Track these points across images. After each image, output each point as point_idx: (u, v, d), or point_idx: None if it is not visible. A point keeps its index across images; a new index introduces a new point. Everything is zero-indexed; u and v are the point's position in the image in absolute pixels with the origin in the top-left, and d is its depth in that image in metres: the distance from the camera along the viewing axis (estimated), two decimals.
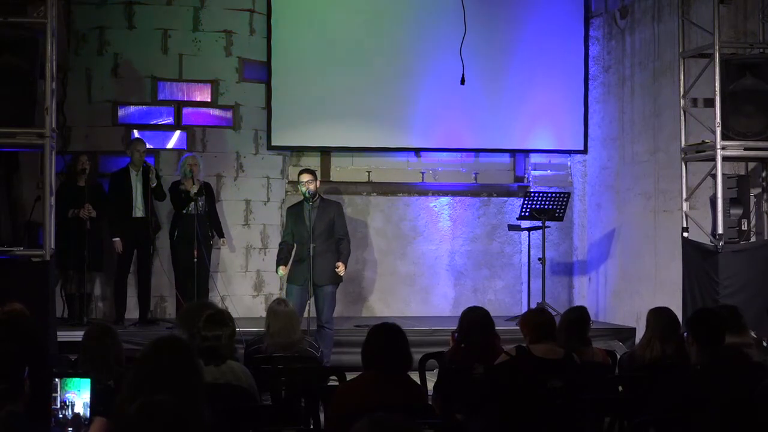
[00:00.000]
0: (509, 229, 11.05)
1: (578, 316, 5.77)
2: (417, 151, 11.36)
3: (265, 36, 10.82)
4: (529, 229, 10.67)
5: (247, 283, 10.76)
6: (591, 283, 11.32)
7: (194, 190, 9.49)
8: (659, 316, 5.58)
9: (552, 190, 10.95)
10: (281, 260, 8.85)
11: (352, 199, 11.13)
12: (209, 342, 4.80)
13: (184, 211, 9.55)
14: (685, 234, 8.84)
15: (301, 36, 10.82)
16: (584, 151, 11.39)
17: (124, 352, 4.84)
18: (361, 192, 11.23)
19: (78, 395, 4.03)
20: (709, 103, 8.62)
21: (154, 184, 9.55)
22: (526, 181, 11.53)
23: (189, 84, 10.67)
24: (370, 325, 4.82)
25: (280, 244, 9.12)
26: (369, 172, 11.26)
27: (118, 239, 9.55)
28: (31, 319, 5.64)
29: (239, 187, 10.75)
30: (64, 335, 8.09)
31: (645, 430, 4.24)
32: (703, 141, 8.77)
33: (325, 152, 11.19)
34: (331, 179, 11.11)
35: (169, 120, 10.69)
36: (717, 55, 8.42)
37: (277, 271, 8.96)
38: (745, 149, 8.51)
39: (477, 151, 11.45)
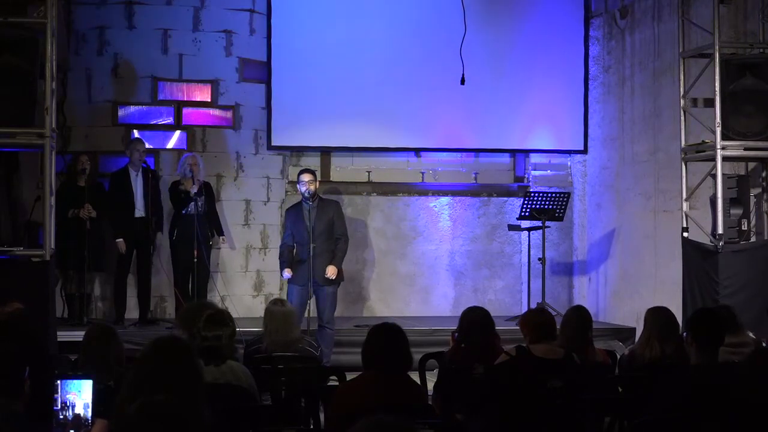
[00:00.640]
0: (509, 229, 11.05)
1: (579, 316, 5.77)
2: (417, 151, 11.35)
3: (265, 36, 10.82)
4: (529, 229, 10.67)
5: (247, 283, 10.76)
6: (591, 283, 11.32)
7: (194, 190, 9.50)
8: (657, 315, 5.58)
9: (552, 190, 10.96)
10: (284, 262, 8.85)
11: (352, 199, 11.13)
12: (209, 342, 4.80)
13: (184, 212, 9.55)
14: (685, 234, 8.83)
15: (301, 36, 10.82)
16: (584, 151, 11.39)
17: (124, 352, 4.84)
18: (361, 192, 11.23)
19: (79, 396, 4.03)
20: (709, 103, 8.61)
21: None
22: (526, 181, 11.53)
23: (189, 84, 10.67)
24: (370, 325, 4.82)
25: (280, 247, 9.12)
26: (369, 172, 11.26)
27: (121, 240, 9.56)
28: (30, 319, 5.64)
29: (239, 187, 10.75)
30: (64, 335, 8.09)
31: (645, 430, 4.24)
32: (703, 141, 8.76)
33: (325, 152, 11.19)
34: (331, 179, 11.11)
35: (169, 120, 10.69)
36: (717, 55, 8.42)
37: (281, 274, 8.96)
38: (745, 149, 8.51)
39: (477, 151, 11.45)
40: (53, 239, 7.99)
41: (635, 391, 5.17)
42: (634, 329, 9.77)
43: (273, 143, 10.85)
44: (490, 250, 11.39)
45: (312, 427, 5.24)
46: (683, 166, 8.96)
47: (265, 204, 10.87)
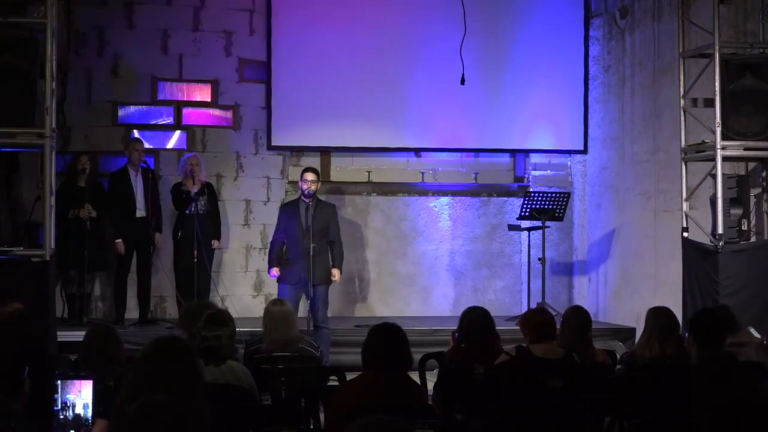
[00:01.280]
0: (509, 229, 11.05)
1: (578, 316, 5.77)
2: (417, 151, 11.35)
3: (265, 36, 10.82)
4: (529, 229, 10.66)
5: (247, 283, 10.76)
6: (591, 283, 11.32)
7: (194, 190, 9.50)
8: (658, 315, 5.58)
9: (552, 190, 10.95)
10: (273, 260, 8.83)
11: (352, 199, 11.13)
12: (209, 342, 4.80)
13: (187, 212, 9.55)
14: (685, 234, 8.83)
15: (301, 36, 10.82)
16: (584, 151, 11.39)
17: (124, 352, 4.84)
18: (361, 192, 11.23)
19: (79, 396, 4.03)
20: (709, 103, 8.61)
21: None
22: (526, 181, 11.53)
23: (189, 84, 10.68)
24: (370, 325, 4.82)
25: (271, 243, 9.07)
26: (369, 172, 11.26)
27: (120, 241, 9.55)
28: (30, 319, 5.64)
29: (239, 187, 10.75)
30: (64, 335, 8.08)
31: (645, 430, 4.24)
32: (703, 141, 8.76)
33: (325, 152, 11.19)
34: (331, 179, 11.11)
35: (169, 120, 10.70)
36: (717, 55, 8.41)
37: (269, 272, 8.94)
38: (745, 149, 8.51)
39: (477, 151, 11.44)
40: (53, 239, 7.98)
41: (635, 391, 5.17)
42: (634, 329, 9.76)
43: (273, 143, 10.85)
44: (490, 250, 11.39)
45: (312, 427, 5.24)
46: (683, 166, 8.96)
47: (265, 204, 10.87)
